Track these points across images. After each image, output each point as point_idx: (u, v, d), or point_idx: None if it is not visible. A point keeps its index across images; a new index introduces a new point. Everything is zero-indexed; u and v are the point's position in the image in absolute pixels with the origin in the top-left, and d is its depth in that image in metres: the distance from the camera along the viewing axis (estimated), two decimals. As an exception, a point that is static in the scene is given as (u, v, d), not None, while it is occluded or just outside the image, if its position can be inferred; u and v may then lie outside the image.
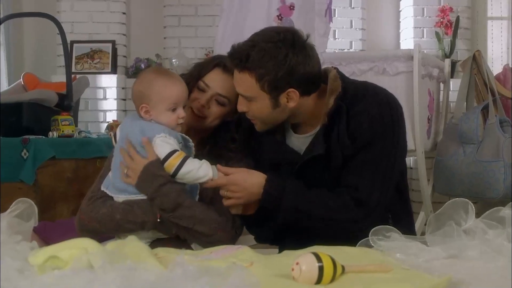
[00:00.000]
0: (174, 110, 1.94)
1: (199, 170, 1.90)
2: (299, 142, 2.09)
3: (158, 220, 1.93)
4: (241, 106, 2.01)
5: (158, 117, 1.94)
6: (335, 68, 2.08)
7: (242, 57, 1.92)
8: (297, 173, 2.04)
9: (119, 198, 1.97)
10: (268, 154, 2.11)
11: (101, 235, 1.99)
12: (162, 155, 1.90)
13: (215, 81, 2.10)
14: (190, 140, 2.02)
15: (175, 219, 1.92)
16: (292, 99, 1.95)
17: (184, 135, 2.00)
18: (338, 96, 1.97)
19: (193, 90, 2.10)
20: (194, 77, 2.12)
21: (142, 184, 1.91)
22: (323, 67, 2.07)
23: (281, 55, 1.89)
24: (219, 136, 2.15)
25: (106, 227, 1.97)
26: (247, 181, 1.95)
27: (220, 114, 2.11)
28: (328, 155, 1.98)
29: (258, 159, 2.13)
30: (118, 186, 1.98)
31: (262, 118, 2.01)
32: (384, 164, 1.98)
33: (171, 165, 1.90)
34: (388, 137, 1.98)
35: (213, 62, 2.14)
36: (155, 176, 1.89)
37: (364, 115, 1.96)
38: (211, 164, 1.94)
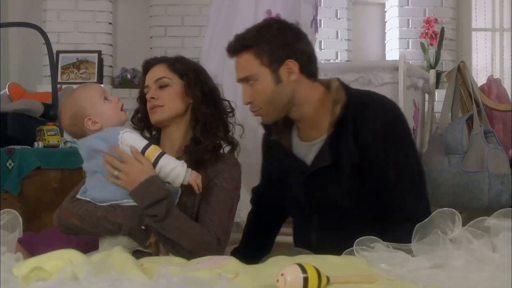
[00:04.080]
0: (107, 99, 2.00)
1: (174, 170, 1.93)
2: (304, 149, 2.09)
3: (143, 227, 1.93)
4: (246, 96, 2.04)
5: (103, 116, 1.97)
6: (338, 79, 2.11)
7: (238, 39, 2.03)
8: (305, 184, 2.05)
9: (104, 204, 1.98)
10: (276, 163, 2.14)
11: (78, 234, 2.01)
12: (139, 146, 1.93)
13: (148, 77, 2.18)
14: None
15: (163, 231, 1.92)
16: (292, 72, 2.00)
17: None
18: (344, 105, 1.99)
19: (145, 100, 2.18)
20: (140, 91, 2.23)
21: (142, 192, 1.90)
22: None
23: (274, 30, 2.02)
24: (198, 144, 2.14)
25: (85, 223, 1.97)
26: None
27: (172, 96, 2.13)
28: (337, 166, 1.98)
29: (270, 166, 2.19)
30: (106, 195, 1.97)
31: (267, 100, 2.02)
32: (415, 170, 2.02)
33: (148, 158, 1.93)
34: (407, 142, 2.02)
35: (143, 70, 2.24)
36: (159, 189, 1.91)
37: (376, 122, 1.96)
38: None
